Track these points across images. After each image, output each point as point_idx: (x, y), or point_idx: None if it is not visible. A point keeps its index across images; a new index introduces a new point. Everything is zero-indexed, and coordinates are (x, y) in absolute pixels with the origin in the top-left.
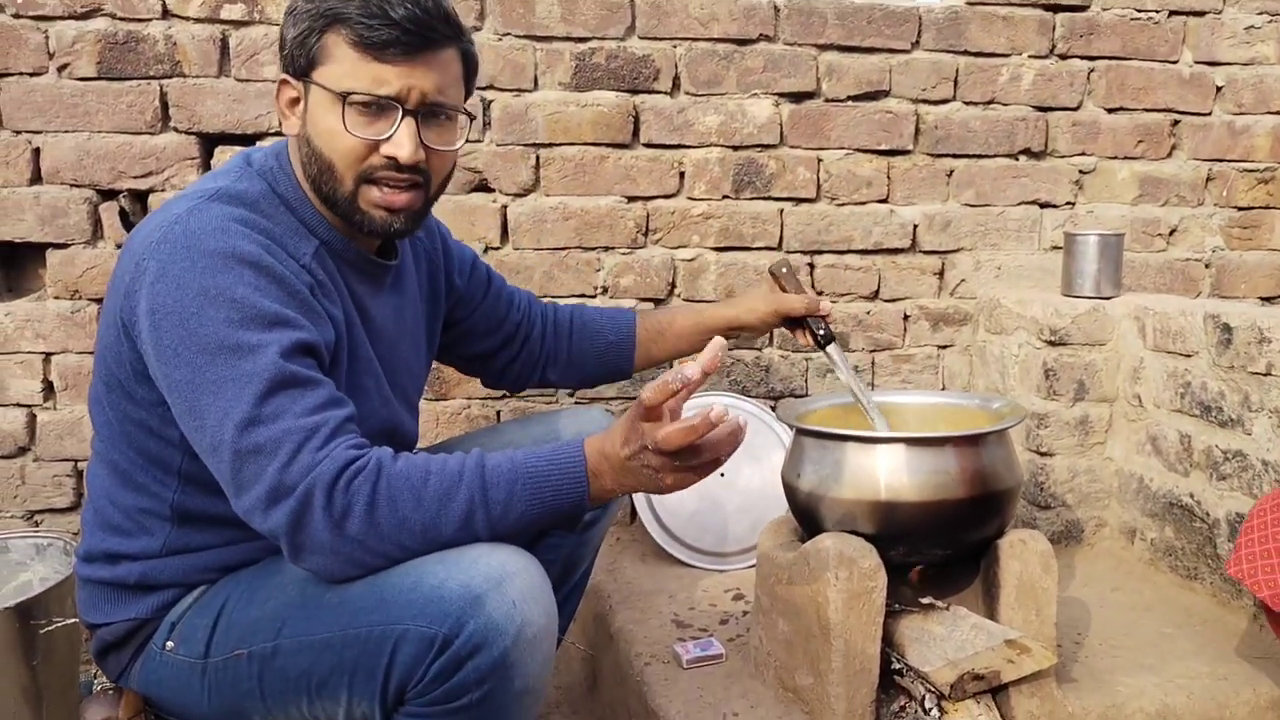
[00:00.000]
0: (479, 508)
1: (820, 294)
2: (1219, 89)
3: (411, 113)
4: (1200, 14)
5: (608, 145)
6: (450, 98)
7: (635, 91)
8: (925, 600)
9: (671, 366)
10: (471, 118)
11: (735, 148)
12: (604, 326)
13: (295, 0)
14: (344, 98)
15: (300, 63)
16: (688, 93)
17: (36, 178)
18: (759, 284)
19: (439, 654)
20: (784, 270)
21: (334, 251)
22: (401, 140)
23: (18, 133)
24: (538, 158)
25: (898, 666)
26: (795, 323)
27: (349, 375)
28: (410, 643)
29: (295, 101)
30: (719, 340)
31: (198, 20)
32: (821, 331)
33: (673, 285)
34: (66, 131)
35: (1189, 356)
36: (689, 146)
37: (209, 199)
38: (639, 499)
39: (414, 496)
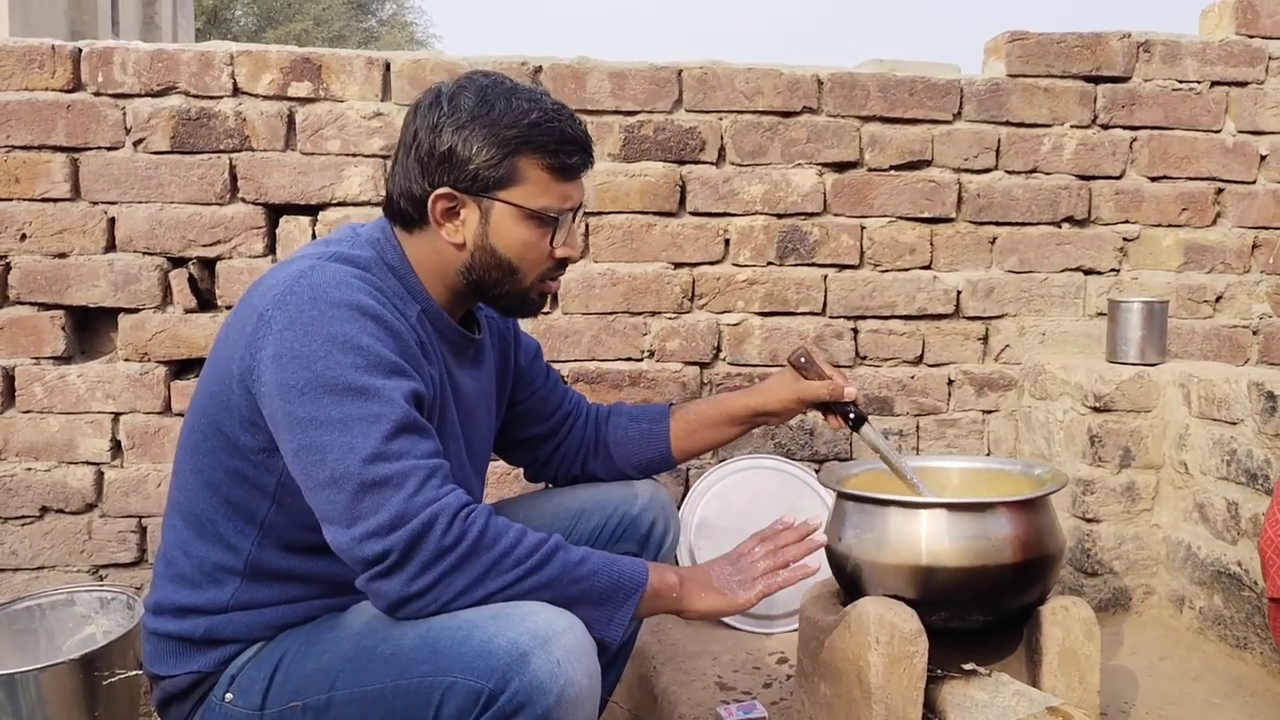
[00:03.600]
0: (561, 550)
1: (863, 359)
2: (1263, 158)
3: (574, 216)
4: (1242, 84)
5: (655, 213)
6: None
7: (682, 162)
8: (967, 666)
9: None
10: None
11: (779, 216)
12: (638, 414)
13: (459, 116)
14: (539, 216)
15: (486, 181)
16: (733, 163)
17: (111, 245)
18: (782, 372)
19: (484, 709)
20: (801, 360)
21: (432, 319)
22: (575, 244)
23: (94, 203)
24: (587, 225)
25: None
26: (824, 407)
27: (437, 434)
28: (457, 695)
29: (454, 213)
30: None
31: (266, 97)
32: (852, 415)
33: (718, 350)
34: (140, 202)
35: (1234, 424)
36: (734, 215)
37: (327, 259)
38: (684, 561)
39: (517, 534)
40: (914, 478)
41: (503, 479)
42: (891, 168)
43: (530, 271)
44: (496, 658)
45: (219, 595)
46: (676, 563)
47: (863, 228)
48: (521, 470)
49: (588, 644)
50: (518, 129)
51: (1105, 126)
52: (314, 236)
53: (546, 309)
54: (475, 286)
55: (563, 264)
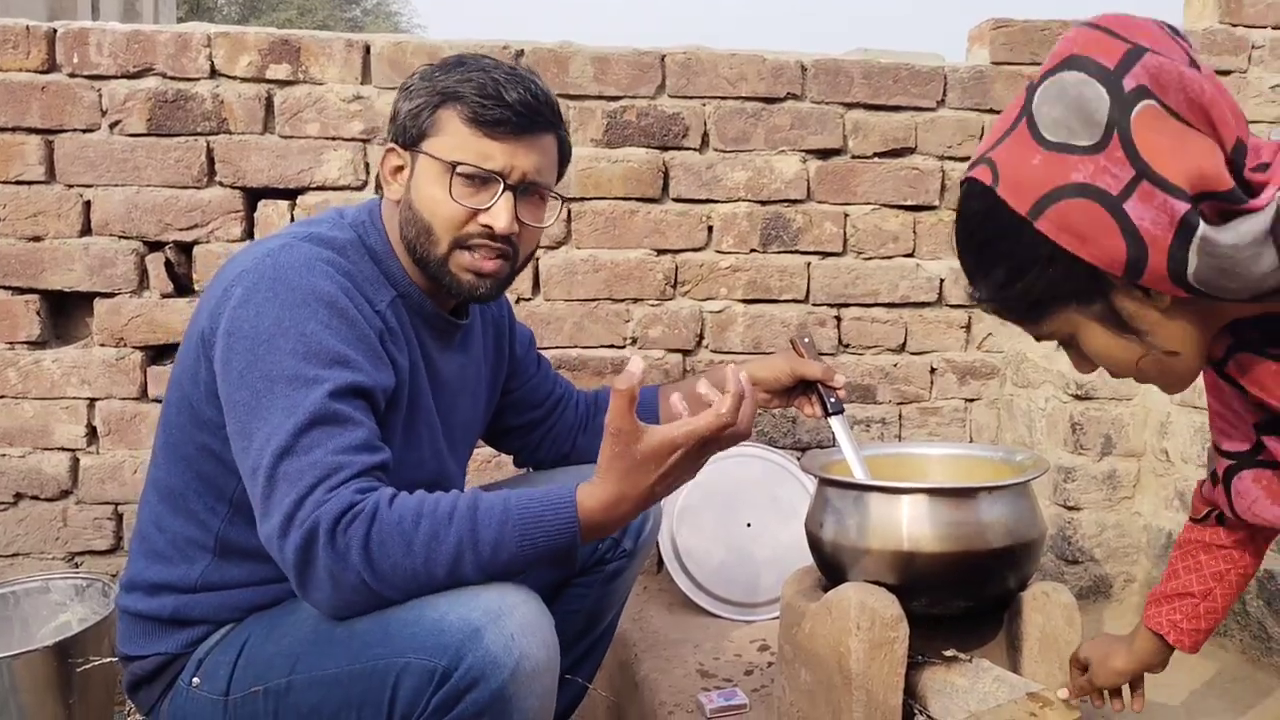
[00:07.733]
0: (467, 549)
1: (846, 347)
2: None
3: (511, 188)
4: (1226, 73)
5: (638, 200)
6: (546, 179)
7: (665, 148)
8: (948, 652)
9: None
10: (564, 200)
11: (763, 203)
12: None
13: (412, 79)
14: (453, 167)
15: (411, 134)
16: (716, 149)
17: (86, 229)
18: (781, 350)
19: (439, 687)
20: (805, 340)
21: (410, 304)
22: (499, 212)
23: (70, 186)
24: (569, 211)
25: (920, 718)
26: (808, 389)
27: (407, 421)
28: (412, 675)
29: (399, 169)
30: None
31: (244, 80)
32: (831, 400)
33: (701, 337)
34: (116, 185)
35: None
36: (717, 201)
37: (301, 239)
38: (666, 549)
39: (404, 543)
40: (866, 477)
41: (484, 466)
42: (875, 155)
43: (444, 234)
44: (449, 635)
45: (189, 572)
46: (658, 549)
47: (846, 215)
48: (501, 453)
49: (543, 617)
50: (447, 81)
51: None
52: (293, 220)
53: (529, 296)
54: (412, 254)
55: (491, 235)
